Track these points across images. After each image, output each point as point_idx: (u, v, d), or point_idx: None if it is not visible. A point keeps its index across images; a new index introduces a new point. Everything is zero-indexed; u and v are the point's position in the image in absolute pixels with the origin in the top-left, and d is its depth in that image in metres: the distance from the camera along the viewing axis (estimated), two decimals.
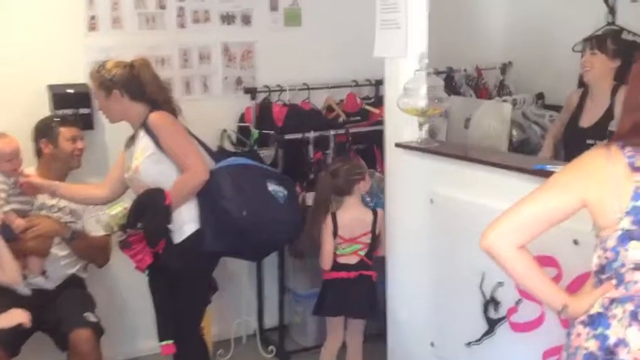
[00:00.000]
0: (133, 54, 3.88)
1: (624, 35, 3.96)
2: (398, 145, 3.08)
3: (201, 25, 4.05)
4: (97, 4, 3.79)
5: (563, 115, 3.85)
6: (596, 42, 3.57)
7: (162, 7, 3.94)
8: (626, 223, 1.72)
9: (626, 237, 1.73)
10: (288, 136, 3.94)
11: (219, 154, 3.27)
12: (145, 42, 3.90)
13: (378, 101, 4.21)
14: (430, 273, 3.03)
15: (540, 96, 4.40)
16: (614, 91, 3.56)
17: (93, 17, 3.79)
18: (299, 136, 3.95)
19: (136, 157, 3.03)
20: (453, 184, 2.86)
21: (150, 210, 2.97)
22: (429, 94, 2.95)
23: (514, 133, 4.19)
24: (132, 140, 3.10)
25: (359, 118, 4.31)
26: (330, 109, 4.32)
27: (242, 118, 4.20)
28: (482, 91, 4.50)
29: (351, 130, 4.08)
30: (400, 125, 3.12)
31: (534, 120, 4.27)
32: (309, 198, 3.85)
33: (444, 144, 3.17)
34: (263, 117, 4.13)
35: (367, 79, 4.35)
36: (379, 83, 4.29)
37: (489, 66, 4.61)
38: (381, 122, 3.54)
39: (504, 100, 4.22)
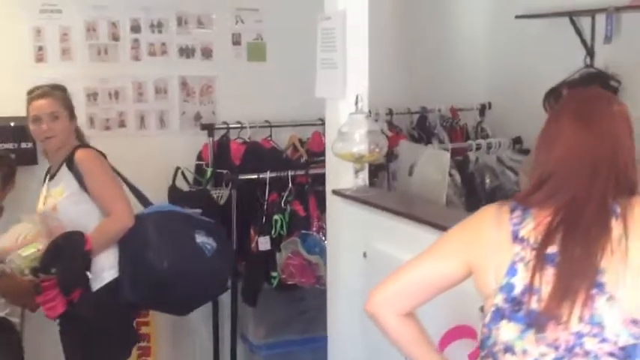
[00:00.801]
0: (83, 86, 3.76)
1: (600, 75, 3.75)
2: (335, 192, 2.86)
3: (157, 58, 3.89)
4: (45, 35, 3.65)
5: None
6: (553, 98, 3.36)
7: (116, 38, 3.79)
8: (499, 300, 1.50)
9: (498, 315, 1.50)
10: (242, 176, 3.74)
11: (147, 200, 3.07)
12: (97, 74, 3.75)
13: None
14: (364, 334, 2.79)
15: (518, 140, 4.15)
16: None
17: (40, 48, 3.66)
18: (254, 176, 3.74)
19: (54, 195, 2.86)
20: (386, 238, 2.62)
21: (67, 254, 2.78)
22: (369, 138, 2.74)
23: (487, 179, 3.96)
24: (51, 174, 2.93)
25: (324, 158, 4.09)
26: (295, 148, 4.12)
27: (200, 156, 4.02)
28: (457, 133, 4.26)
29: (313, 172, 3.87)
30: (341, 171, 2.90)
31: (509, 165, 4.02)
32: (263, 243, 3.66)
33: (381, 193, 2.94)
34: (221, 155, 3.94)
35: None
36: None
37: (467, 107, 4.39)
38: None
39: (478, 145, 4.00)
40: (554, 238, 1.47)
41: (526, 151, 4.08)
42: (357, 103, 2.72)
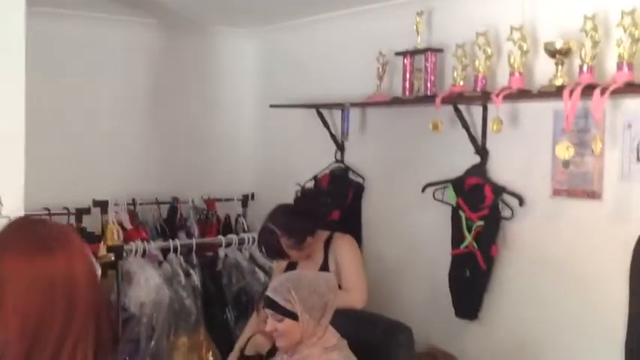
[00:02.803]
0: None
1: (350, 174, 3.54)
2: None
3: None
4: None
5: None
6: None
7: None
8: None
9: None
10: None
11: None
12: None
13: None
14: None
15: None
16: (326, 244, 3.04)
17: None
18: None
19: None
20: None
21: None
22: None
23: (233, 279, 3.57)
24: None
25: None
26: None
27: None
28: (211, 227, 3.88)
29: None
30: None
31: (261, 263, 3.66)
32: None
33: None
34: None
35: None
36: (82, 213, 3.63)
37: (229, 197, 4.02)
38: None
39: (228, 241, 3.62)
40: None
41: None
42: None
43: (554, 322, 2.69)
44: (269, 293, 2.40)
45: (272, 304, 2.37)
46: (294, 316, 2.34)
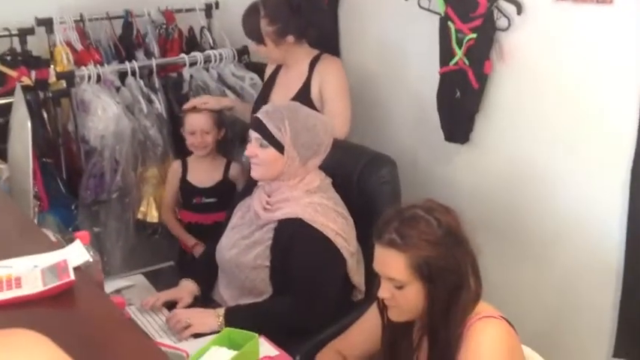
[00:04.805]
0: None
1: None
2: None
3: None
4: None
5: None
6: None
7: None
8: None
9: None
10: None
11: None
12: None
13: (19, 59, 3.17)
14: None
15: (244, 51, 3.45)
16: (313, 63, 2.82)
17: None
18: None
19: None
20: None
21: None
22: None
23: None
24: None
25: None
26: None
27: None
28: (173, 43, 3.48)
29: None
30: None
31: (231, 84, 3.34)
32: None
33: None
34: None
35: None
36: (26, 33, 3.24)
37: (189, 7, 3.58)
38: None
39: (192, 59, 3.26)
40: None
41: (253, 65, 3.41)
42: None
43: (552, 145, 2.45)
44: (260, 115, 2.16)
45: (260, 127, 2.14)
46: (280, 148, 2.12)
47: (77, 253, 1.51)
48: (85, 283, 1.43)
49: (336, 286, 2.15)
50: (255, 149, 2.15)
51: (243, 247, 2.18)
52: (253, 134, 2.17)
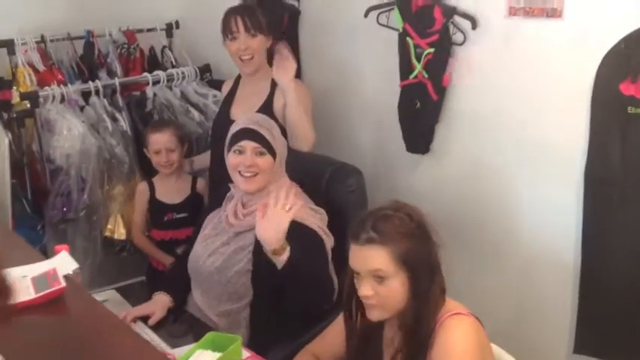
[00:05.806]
0: None
1: None
2: None
3: None
4: None
5: None
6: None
7: None
8: None
9: None
10: None
11: None
12: None
13: None
14: None
15: (206, 69, 3.52)
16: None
17: None
18: None
19: None
20: None
21: None
22: None
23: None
24: None
25: None
26: None
27: None
28: (135, 62, 3.53)
29: None
30: None
31: (194, 102, 3.40)
32: None
33: None
34: None
35: None
36: None
37: (148, 27, 3.63)
38: None
39: (155, 77, 3.31)
40: None
41: (216, 83, 3.47)
42: None
43: (510, 150, 2.57)
44: (252, 126, 2.22)
45: (256, 137, 2.20)
46: (274, 154, 2.23)
47: (64, 262, 1.54)
48: (75, 289, 1.47)
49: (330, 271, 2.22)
50: (254, 159, 2.19)
51: (226, 254, 2.22)
52: (249, 144, 2.19)
